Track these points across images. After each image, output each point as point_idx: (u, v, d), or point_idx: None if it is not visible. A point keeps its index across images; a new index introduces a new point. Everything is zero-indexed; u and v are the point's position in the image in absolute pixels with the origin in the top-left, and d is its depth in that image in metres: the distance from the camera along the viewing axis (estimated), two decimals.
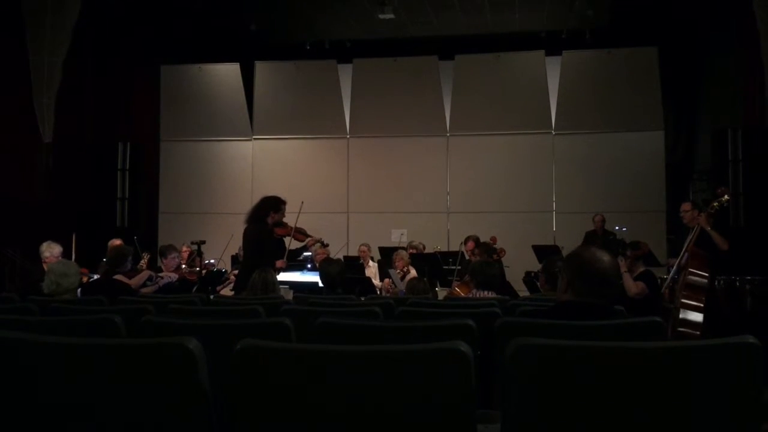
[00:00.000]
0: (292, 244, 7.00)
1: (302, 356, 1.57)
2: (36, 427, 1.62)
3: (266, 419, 1.57)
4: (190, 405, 1.54)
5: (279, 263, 6.59)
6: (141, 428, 1.58)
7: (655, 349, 1.56)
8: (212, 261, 8.70)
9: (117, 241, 7.52)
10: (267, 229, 6.56)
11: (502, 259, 8.46)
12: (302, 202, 7.05)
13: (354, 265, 8.31)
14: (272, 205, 6.65)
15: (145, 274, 6.21)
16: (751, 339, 1.49)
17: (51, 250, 6.30)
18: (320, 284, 5.68)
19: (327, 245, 7.28)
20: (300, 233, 6.97)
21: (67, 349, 1.61)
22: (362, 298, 5.02)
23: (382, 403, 1.53)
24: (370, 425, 1.54)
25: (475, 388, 1.51)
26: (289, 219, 7.00)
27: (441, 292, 7.88)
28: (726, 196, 5.92)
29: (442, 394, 1.52)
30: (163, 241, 10.32)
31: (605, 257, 2.62)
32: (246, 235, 6.63)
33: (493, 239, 8.76)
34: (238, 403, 1.57)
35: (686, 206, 6.29)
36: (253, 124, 11.88)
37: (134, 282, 5.81)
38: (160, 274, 6.63)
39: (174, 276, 6.71)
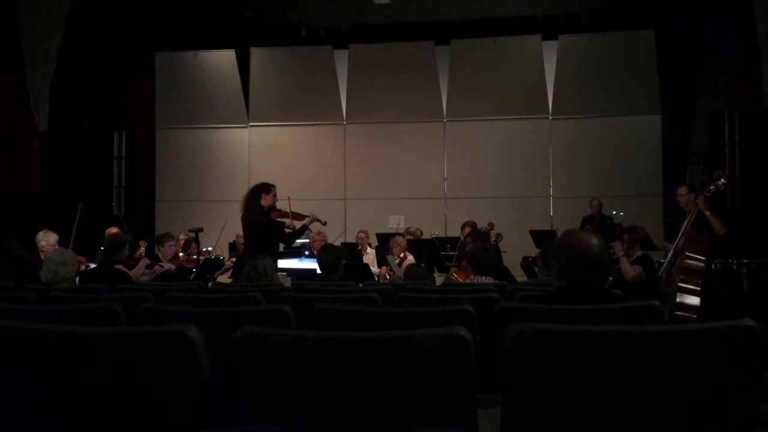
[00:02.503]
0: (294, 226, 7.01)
1: (303, 343, 1.57)
2: (36, 416, 1.62)
3: (267, 405, 1.58)
4: (191, 392, 1.55)
5: (293, 231, 6.78)
6: (142, 416, 1.58)
7: (655, 332, 1.56)
8: (209, 248, 8.69)
9: (114, 230, 7.51)
10: (263, 211, 6.64)
11: (500, 244, 8.46)
12: (288, 198, 7.05)
13: (352, 251, 8.31)
14: (262, 188, 6.79)
15: (143, 261, 6.21)
16: (751, 322, 1.50)
17: (47, 239, 6.29)
18: (318, 271, 5.68)
19: (325, 223, 7.27)
20: (297, 214, 7.00)
21: (67, 338, 1.61)
22: (360, 285, 5.03)
23: (383, 388, 1.54)
24: (370, 411, 1.55)
25: (475, 373, 1.52)
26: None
27: (439, 278, 7.90)
28: (723, 180, 5.92)
29: (442, 379, 1.52)
30: (160, 229, 10.29)
31: (593, 241, 2.62)
32: (244, 220, 6.73)
33: (491, 225, 8.76)
34: (239, 389, 1.58)
35: (683, 190, 6.29)
36: (249, 110, 11.83)
37: (134, 273, 5.81)
38: (159, 263, 6.63)
39: (172, 266, 6.71)
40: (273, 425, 1.50)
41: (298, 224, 6.95)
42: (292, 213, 6.94)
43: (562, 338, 1.55)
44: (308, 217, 6.98)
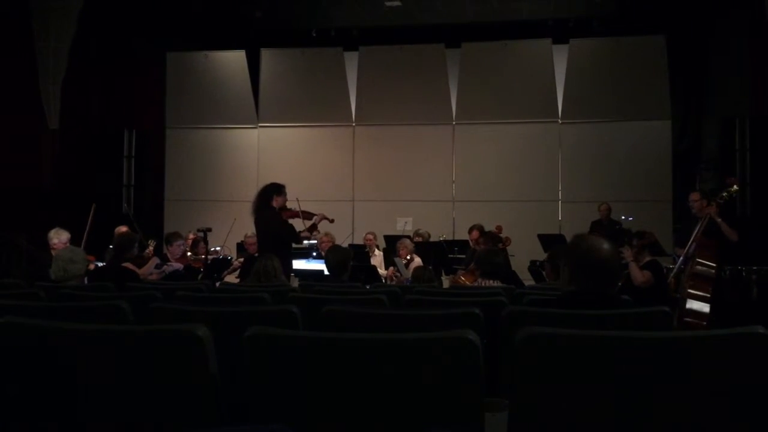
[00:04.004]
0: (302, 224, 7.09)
1: (311, 344, 1.57)
2: (45, 412, 1.63)
3: (274, 405, 1.58)
4: (199, 391, 1.55)
5: (304, 233, 6.92)
6: (150, 414, 1.58)
7: (665, 339, 1.56)
8: (217, 248, 8.71)
9: (123, 228, 7.54)
10: (276, 213, 6.68)
11: (508, 248, 8.44)
12: (297, 199, 7.12)
13: (359, 253, 8.31)
14: (274, 189, 6.84)
15: (153, 261, 6.23)
16: (761, 329, 1.49)
17: (59, 237, 6.34)
18: (326, 272, 5.68)
19: (332, 221, 7.34)
20: (307, 213, 7.06)
21: (76, 335, 1.62)
22: (367, 287, 5.03)
23: (390, 390, 1.53)
24: (378, 412, 1.55)
25: (483, 376, 1.51)
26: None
27: (446, 281, 7.88)
28: (735, 186, 5.89)
29: (450, 382, 1.52)
30: (168, 228, 10.33)
31: (604, 246, 2.61)
32: (258, 222, 6.76)
33: (499, 228, 8.73)
34: (247, 389, 1.58)
35: (695, 196, 6.26)
36: (258, 111, 11.86)
37: (143, 271, 5.83)
38: (168, 263, 6.65)
39: (179, 265, 6.73)
40: (281, 424, 1.50)
41: (308, 223, 7.01)
42: (302, 212, 7.02)
43: (571, 343, 1.54)
44: (317, 215, 7.03)
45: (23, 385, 1.63)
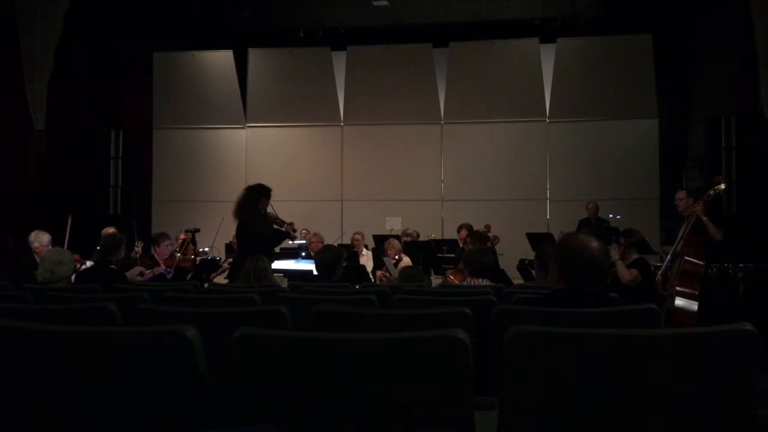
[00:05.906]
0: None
1: (301, 344, 1.57)
2: (32, 416, 1.62)
3: (264, 406, 1.57)
4: (188, 393, 1.54)
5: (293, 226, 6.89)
6: (139, 417, 1.57)
7: (653, 336, 1.56)
8: (205, 249, 8.68)
9: (111, 229, 7.49)
10: (260, 215, 6.63)
11: (496, 246, 8.46)
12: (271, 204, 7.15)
13: (348, 253, 8.29)
14: (263, 192, 6.74)
15: (137, 269, 6.19)
16: (748, 326, 1.50)
17: (40, 240, 6.28)
18: (314, 272, 5.67)
19: (294, 239, 7.30)
20: (280, 220, 6.98)
21: (64, 338, 1.60)
22: (356, 286, 5.02)
23: (380, 390, 1.53)
24: (369, 413, 1.55)
25: (472, 376, 1.52)
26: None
27: (435, 280, 7.89)
28: (722, 185, 5.93)
29: (440, 382, 1.52)
30: (156, 228, 10.29)
31: (593, 244, 2.62)
32: (242, 223, 6.66)
33: (487, 227, 8.76)
34: (236, 390, 1.57)
35: (681, 194, 6.30)
36: (246, 111, 11.82)
37: (128, 275, 5.80)
38: (158, 268, 6.60)
39: (164, 268, 6.67)
40: (271, 426, 1.49)
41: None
42: (277, 219, 6.96)
43: (560, 341, 1.54)
44: (287, 225, 6.99)
45: (9, 388, 1.61)
